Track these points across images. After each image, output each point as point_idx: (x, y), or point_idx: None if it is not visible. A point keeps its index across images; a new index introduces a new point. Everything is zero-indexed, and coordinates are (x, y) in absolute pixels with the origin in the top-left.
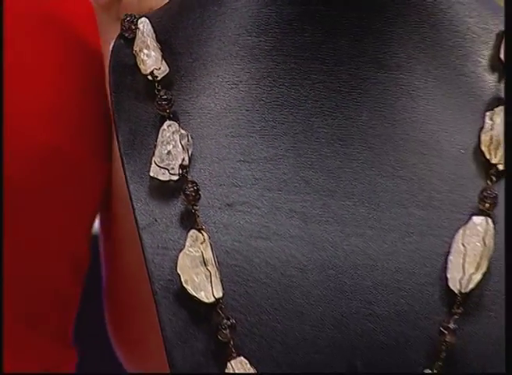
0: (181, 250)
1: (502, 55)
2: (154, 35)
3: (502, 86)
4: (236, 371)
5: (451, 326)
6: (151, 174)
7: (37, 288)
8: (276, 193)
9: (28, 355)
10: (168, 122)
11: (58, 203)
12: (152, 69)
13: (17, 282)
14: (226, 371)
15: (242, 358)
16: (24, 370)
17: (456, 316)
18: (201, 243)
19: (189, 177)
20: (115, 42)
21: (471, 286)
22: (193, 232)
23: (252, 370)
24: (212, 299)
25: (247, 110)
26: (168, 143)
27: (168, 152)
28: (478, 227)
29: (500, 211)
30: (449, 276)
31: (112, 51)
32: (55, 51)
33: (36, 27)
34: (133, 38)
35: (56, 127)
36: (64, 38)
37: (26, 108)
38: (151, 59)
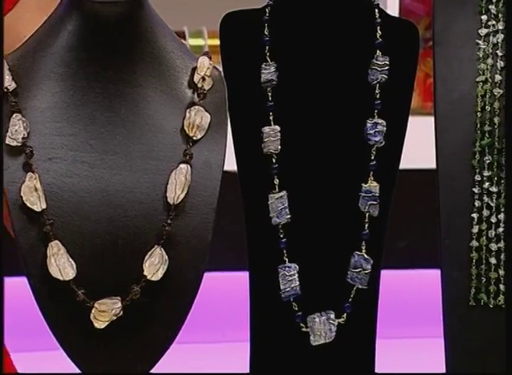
0: (23, 183)
1: (194, 79)
2: (8, 67)
3: (195, 95)
4: (54, 247)
5: (169, 221)
6: (7, 142)
7: None
8: (76, 152)
9: None
10: (15, 114)
11: None
12: (7, 85)
13: None
14: (48, 249)
15: (56, 241)
16: None
17: (171, 217)
18: (34, 179)
19: (27, 144)
20: None
21: (179, 201)
22: (29, 173)
23: (62, 247)
24: (40, 209)
25: (59, 108)
26: (15, 125)
27: (16, 130)
28: (183, 170)
29: (194, 160)
30: (167, 195)
31: None
32: None
33: None
34: None
35: None
36: None
37: None
38: (6, 80)
